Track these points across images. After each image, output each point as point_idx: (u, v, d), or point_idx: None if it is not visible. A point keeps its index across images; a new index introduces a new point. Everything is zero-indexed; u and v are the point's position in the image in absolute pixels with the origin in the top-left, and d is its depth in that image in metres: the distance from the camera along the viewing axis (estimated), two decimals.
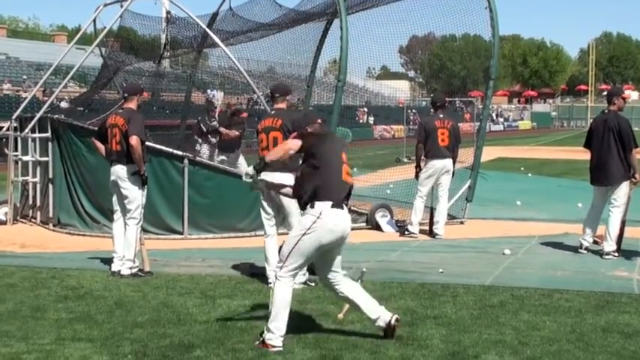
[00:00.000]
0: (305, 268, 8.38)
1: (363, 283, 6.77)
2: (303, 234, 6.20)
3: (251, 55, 16.27)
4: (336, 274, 6.48)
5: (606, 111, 10.51)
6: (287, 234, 8.58)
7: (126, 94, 9.53)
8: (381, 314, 6.46)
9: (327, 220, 6.18)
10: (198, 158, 12.49)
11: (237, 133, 14.52)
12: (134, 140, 8.97)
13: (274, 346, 6.12)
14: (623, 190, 10.27)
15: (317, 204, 6.21)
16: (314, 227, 6.17)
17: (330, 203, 6.22)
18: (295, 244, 6.22)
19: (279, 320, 6.18)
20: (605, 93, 11.25)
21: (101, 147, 9.52)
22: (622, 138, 10.16)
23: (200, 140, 15.61)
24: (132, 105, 9.36)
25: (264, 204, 8.56)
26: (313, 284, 8.25)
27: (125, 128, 9.06)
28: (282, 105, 8.77)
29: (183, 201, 11.82)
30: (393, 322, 6.40)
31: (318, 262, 6.48)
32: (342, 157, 6.41)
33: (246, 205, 11.46)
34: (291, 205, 8.21)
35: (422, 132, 12.22)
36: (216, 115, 14.85)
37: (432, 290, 8.21)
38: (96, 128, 11.91)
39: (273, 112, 8.77)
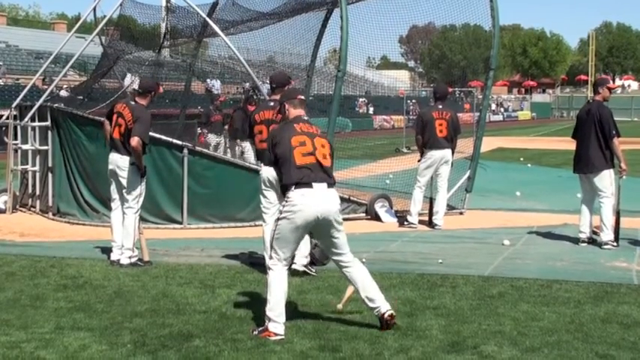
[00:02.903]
0: (307, 252, 8.39)
1: None
2: (277, 219, 6.35)
3: (251, 45, 16.22)
4: (343, 256, 6.46)
5: (591, 101, 10.49)
6: None
7: (140, 90, 9.47)
8: (381, 304, 6.45)
9: (294, 202, 6.24)
10: (198, 148, 12.47)
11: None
12: (135, 142, 8.92)
13: (277, 334, 6.14)
14: (606, 179, 10.19)
15: (287, 190, 6.33)
16: (285, 211, 6.28)
17: (294, 185, 6.28)
18: (274, 232, 6.36)
19: (278, 308, 6.22)
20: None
21: (109, 130, 9.45)
22: (602, 127, 10.11)
23: (206, 130, 15.65)
24: (144, 101, 9.28)
25: (266, 193, 8.39)
26: (314, 272, 8.25)
27: (131, 125, 9.02)
28: None
29: (183, 190, 11.81)
30: (386, 316, 6.38)
31: (322, 245, 6.49)
32: (292, 142, 6.36)
33: (246, 195, 11.47)
34: None
35: (419, 123, 12.29)
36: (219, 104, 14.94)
37: (431, 281, 8.22)
38: (96, 117, 11.93)
39: (271, 103, 8.46)
